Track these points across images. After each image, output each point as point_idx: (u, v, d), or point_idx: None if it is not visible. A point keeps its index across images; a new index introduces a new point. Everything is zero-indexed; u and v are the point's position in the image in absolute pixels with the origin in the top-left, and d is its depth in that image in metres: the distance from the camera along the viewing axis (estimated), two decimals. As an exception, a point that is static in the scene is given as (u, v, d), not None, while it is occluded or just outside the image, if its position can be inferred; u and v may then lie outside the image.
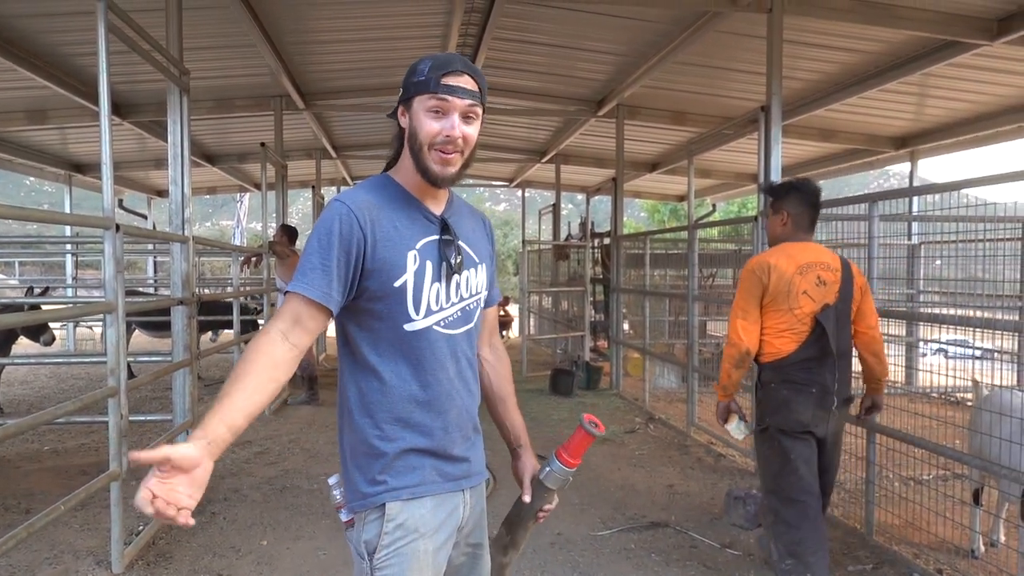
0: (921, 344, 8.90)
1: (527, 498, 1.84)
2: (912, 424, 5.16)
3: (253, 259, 8.01)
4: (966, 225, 7.27)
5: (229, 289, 10.87)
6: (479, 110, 1.64)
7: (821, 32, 6.35)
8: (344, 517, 1.72)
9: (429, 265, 1.65)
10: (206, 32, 6.62)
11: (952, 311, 7.45)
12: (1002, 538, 4.05)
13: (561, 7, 6.48)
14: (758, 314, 3.30)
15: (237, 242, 26.80)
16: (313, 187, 12.34)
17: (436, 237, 1.68)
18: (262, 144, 7.41)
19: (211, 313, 8.72)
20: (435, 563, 1.67)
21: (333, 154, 12.68)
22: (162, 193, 14.93)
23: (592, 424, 1.76)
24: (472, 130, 1.64)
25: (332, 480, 1.77)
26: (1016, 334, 6.84)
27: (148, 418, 5.94)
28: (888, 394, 3.80)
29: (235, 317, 6.48)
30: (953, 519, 3.95)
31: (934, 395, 7.60)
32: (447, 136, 1.60)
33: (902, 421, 5.03)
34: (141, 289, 12.19)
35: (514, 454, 1.93)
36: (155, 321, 8.37)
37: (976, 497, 3.96)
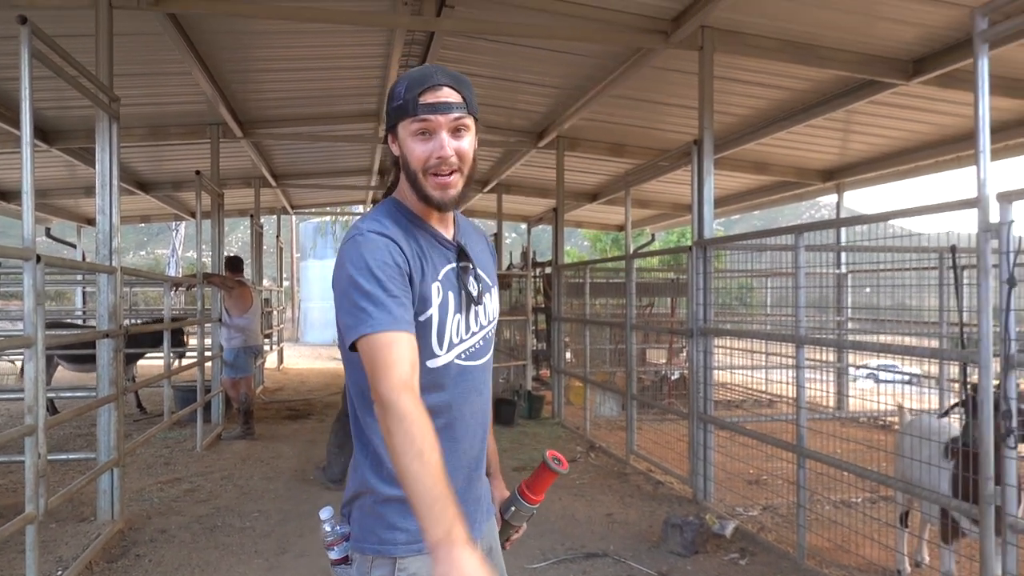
0: (852, 369, 9.21)
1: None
2: (842, 448, 5.30)
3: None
4: (890, 255, 7.63)
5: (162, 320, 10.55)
6: (469, 121, 1.56)
7: (751, 69, 6.59)
8: (335, 555, 1.60)
9: (451, 296, 1.57)
10: (139, 58, 6.50)
11: (878, 338, 7.74)
12: (926, 559, 4.18)
13: (500, 40, 6.58)
14: None
15: (172, 271, 26.10)
16: (252, 215, 12.14)
17: (453, 265, 1.60)
18: (197, 172, 7.28)
19: (140, 344, 8.44)
20: None
21: (273, 183, 12.50)
22: (92, 221, 14.38)
23: (556, 461, 1.73)
24: (465, 143, 1.56)
25: (324, 514, 1.63)
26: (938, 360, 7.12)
27: (70, 456, 5.70)
28: (818, 419, 4.02)
29: (166, 350, 6.28)
30: (881, 541, 4.06)
31: (862, 420, 7.84)
32: (438, 158, 1.52)
33: (832, 446, 5.18)
34: (69, 320, 11.74)
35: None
36: (81, 355, 8.02)
37: (903, 519, 4.09)
